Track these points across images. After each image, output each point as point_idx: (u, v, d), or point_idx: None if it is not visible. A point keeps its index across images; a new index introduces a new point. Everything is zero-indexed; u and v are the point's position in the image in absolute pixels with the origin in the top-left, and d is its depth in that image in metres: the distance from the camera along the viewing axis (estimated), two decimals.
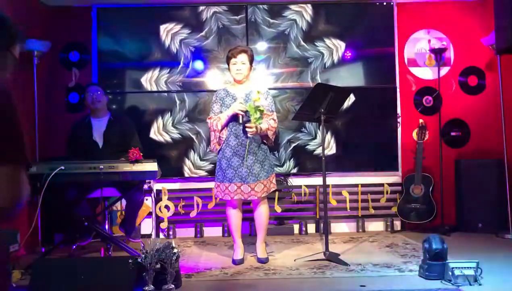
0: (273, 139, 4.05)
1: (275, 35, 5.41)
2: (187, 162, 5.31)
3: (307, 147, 5.35)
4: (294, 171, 5.35)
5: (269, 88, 5.29)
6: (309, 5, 5.41)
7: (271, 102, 4.05)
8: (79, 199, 4.26)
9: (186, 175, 5.31)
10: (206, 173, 5.29)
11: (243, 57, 3.97)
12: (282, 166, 5.32)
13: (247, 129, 3.79)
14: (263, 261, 4.01)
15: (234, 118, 3.90)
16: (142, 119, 5.28)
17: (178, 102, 5.33)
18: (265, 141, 4.01)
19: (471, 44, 5.43)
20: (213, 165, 5.19)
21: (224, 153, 3.96)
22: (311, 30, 5.40)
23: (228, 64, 4.05)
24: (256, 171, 3.92)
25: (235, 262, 3.99)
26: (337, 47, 5.41)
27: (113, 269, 3.33)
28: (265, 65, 5.39)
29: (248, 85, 4.06)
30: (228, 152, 3.94)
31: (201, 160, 5.32)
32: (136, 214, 4.52)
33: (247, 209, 4.31)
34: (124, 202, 4.62)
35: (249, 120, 3.82)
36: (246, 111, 3.83)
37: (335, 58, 5.40)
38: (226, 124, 3.94)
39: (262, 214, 4.04)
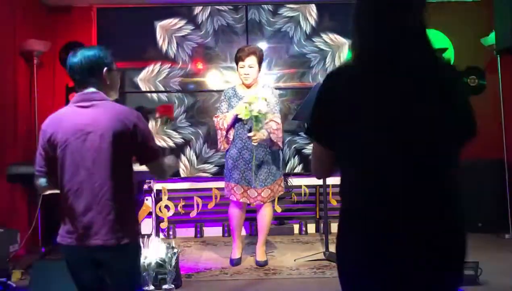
0: (279, 142, 3.90)
1: (276, 34, 5.40)
2: (185, 162, 5.31)
3: (308, 147, 5.34)
4: (298, 169, 5.34)
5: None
6: (309, 5, 5.41)
7: (275, 103, 3.92)
8: None
9: (183, 175, 5.30)
10: (210, 175, 5.28)
11: (251, 60, 3.85)
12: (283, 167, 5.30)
13: (252, 139, 3.71)
14: (262, 264, 3.98)
15: (239, 118, 3.83)
16: None
17: (176, 102, 5.33)
18: (271, 146, 3.89)
19: (471, 44, 5.42)
20: (217, 167, 5.20)
21: (230, 153, 3.93)
22: (311, 29, 5.39)
23: (236, 65, 3.95)
24: (263, 176, 3.88)
25: (232, 262, 3.98)
26: (338, 47, 5.40)
27: None
28: (266, 65, 5.39)
29: (256, 88, 3.94)
30: (234, 153, 3.90)
31: (197, 159, 5.31)
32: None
33: (250, 209, 4.30)
34: None
35: (251, 125, 3.76)
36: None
37: (336, 58, 5.40)
38: (232, 124, 3.87)
39: (265, 216, 4.01)
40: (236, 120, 3.84)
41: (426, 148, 1.33)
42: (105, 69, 2.10)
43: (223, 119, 3.87)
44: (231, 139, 3.89)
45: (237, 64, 3.93)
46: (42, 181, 2.11)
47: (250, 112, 3.65)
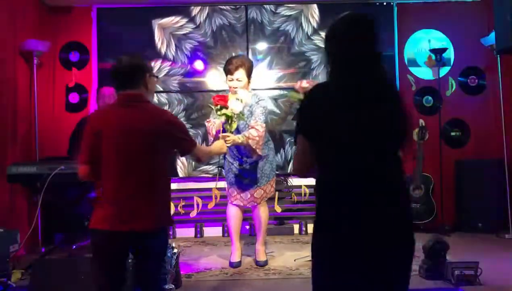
0: (258, 150, 3.77)
1: (276, 34, 5.40)
2: (185, 162, 5.31)
3: None
4: None
5: (269, 88, 5.33)
6: (309, 5, 5.41)
7: (260, 112, 3.80)
8: (79, 199, 4.26)
9: (181, 175, 5.31)
10: (211, 175, 5.29)
11: (239, 74, 3.77)
12: (282, 167, 5.31)
13: (225, 140, 3.50)
14: (262, 264, 3.99)
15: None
16: None
17: (176, 102, 5.33)
18: (251, 152, 3.80)
19: (471, 44, 5.42)
20: (219, 168, 5.19)
21: (227, 157, 3.95)
22: (311, 29, 5.40)
23: (226, 77, 3.87)
24: (256, 177, 3.89)
25: (232, 265, 3.96)
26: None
27: None
28: (266, 65, 5.39)
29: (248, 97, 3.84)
30: (229, 158, 3.93)
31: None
32: None
33: (247, 209, 4.31)
34: None
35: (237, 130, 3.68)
36: (239, 114, 3.64)
37: None
38: (221, 131, 3.74)
39: (261, 216, 4.01)
40: (224, 128, 3.75)
41: (382, 143, 1.75)
42: (147, 75, 2.39)
43: (212, 125, 3.81)
44: None
45: (226, 75, 3.86)
46: (84, 170, 2.34)
47: (221, 111, 3.57)
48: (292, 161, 5.35)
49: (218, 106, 3.58)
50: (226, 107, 3.55)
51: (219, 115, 3.58)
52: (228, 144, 3.56)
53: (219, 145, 3.10)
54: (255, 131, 3.73)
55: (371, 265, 1.70)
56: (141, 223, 2.22)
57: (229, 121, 3.58)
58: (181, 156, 2.50)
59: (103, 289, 2.32)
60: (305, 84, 3.63)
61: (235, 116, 3.58)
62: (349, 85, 1.76)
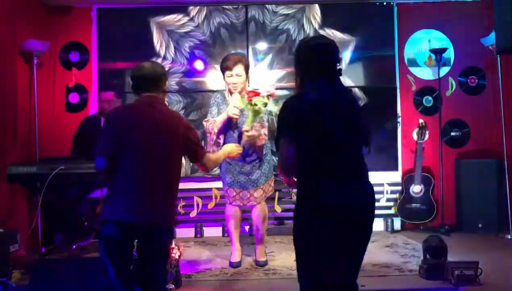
0: (260, 152, 3.85)
1: (276, 34, 5.40)
2: (185, 162, 5.30)
3: None
4: None
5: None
6: (309, 5, 5.41)
7: (263, 114, 3.78)
8: (79, 199, 4.26)
9: (181, 175, 5.30)
10: (211, 175, 5.28)
11: (238, 69, 3.74)
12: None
13: (245, 133, 3.57)
14: (262, 264, 3.98)
15: (229, 122, 3.75)
16: None
17: (175, 102, 5.33)
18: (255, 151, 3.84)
19: (471, 44, 5.42)
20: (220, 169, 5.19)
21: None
22: (311, 29, 5.40)
23: (223, 74, 3.84)
24: (255, 176, 3.88)
25: (232, 265, 3.96)
26: (339, 44, 5.38)
27: None
28: (267, 65, 5.39)
29: (245, 94, 3.81)
30: (227, 159, 3.91)
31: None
32: None
33: (247, 209, 4.31)
34: None
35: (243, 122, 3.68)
36: (242, 111, 3.68)
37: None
38: (223, 129, 3.80)
39: (260, 215, 4.00)
40: (226, 125, 3.77)
41: (353, 145, 2.21)
42: (166, 82, 2.61)
43: (212, 123, 3.79)
44: (221, 143, 3.82)
45: (223, 73, 3.82)
46: (103, 162, 2.40)
47: (248, 104, 3.55)
48: (278, 163, 5.34)
49: (252, 101, 3.56)
50: (255, 104, 3.55)
51: (249, 109, 3.57)
52: (246, 138, 3.62)
53: (227, 150, 3.11)
54: (263, 134, 3.79)
55: (366, 237, 2.27)
56: (154, 217, 2.34)
57: (252, 117, 3.58)
58: (191, 162, 2.71)
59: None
60: (268, 87, 3.68)
61: (259, 115, 3.62)
62: (334, 93, 2.17)
